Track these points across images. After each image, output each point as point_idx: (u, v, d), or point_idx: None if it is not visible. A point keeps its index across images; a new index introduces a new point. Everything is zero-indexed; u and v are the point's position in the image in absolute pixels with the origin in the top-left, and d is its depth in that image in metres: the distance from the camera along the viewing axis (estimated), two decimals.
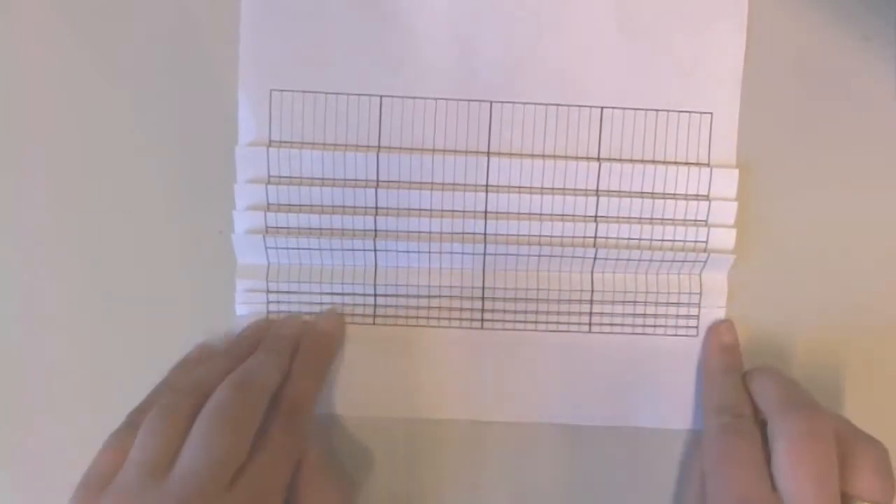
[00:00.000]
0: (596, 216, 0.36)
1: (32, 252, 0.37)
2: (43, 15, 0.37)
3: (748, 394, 0.34)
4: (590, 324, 0.36)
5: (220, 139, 0.37)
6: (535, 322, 0.36)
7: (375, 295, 0.36)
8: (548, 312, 0.36)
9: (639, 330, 0.36)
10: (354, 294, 0.36)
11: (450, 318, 0.36)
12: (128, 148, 0.37)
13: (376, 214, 0.36)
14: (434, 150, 0.36)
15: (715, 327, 0.36)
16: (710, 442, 0.33)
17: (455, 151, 0.36)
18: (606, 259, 0.36)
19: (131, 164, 0.37)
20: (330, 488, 0.33)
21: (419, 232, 0.36)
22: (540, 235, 0.36)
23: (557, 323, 0.36)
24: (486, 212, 0.36)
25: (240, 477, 0.28)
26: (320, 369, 0.35)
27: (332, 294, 0.36)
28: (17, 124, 0.37)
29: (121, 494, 0.27)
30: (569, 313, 0.36)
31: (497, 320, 0.36)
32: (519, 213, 0.36)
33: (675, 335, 0.36)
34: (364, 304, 0.36)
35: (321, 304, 0.37)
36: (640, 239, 0.36)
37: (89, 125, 0.37)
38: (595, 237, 0.36)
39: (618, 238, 0.36)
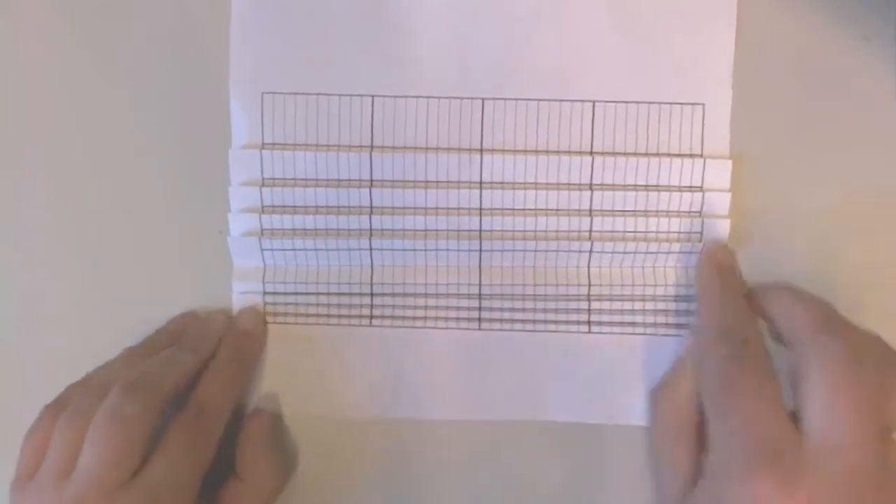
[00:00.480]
0: (591, 210, 0.36)
1: (32, 252, 0.37)
2: (43, 15, 0.37)
3: (754, 317, 0.30)
4: (589, 322, 0.36)
5: (221, 139, 0.37)
6: (534, 321, 0.36)
7: (372, 294, 0.36)
8: (545, 310, 0.36)
9: (639, 329, 0.36)
10: (351, 294, 0.36)
11: (447, 318, 0.36)
12: (128, 148, 0.37)
13: (371, 213, 0.36)
14: (427, 149, 0.36)
15: (709, 248, 0.34)
16: (710, 378, 0.28)
17: (448, 149, 0.36)
18: (602, 252, 0.36)
19: (131, 164, 0.37)
20: (266, 461, 0.34)
21: (415, 230, 0.36)
22: (535, 231, 0.36)
23: (556, 322, 0.36)
24: (480, 209, 0.36)
25: (136, 477, 0.29)
26: (236, 371, 0.34)
27: (328, 294, 0.36)
28: (17, 124, 0.37)
29: (35, 495, 0.29)
30: (567, 311, 0.36)
31: (495, 319, 0.36)
32: (514, 209, 0.36)
33: (677, 334, 0.36)
34: (361, 305, 0.36)
35: (318, 304, 0.37)
36: (635, 231, 0.36)
37: (89, 125, 0.37)
38: (590, 231, 0.36)
39: (613, 231, 0.36)
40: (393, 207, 0.36)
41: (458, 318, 0.36)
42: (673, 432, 0.31)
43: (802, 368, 0.26)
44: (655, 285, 0.36)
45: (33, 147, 0.37)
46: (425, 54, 0.36)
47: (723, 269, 0.34)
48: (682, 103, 0.35)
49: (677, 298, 0.36)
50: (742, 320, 0.30)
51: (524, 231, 0.36)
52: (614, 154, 0.36)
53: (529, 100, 0.36)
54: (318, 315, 0.37)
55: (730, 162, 0.35)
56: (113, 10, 0.37)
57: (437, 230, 0.36)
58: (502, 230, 0.36)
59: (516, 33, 0.36)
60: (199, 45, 0.37)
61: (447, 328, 0.36)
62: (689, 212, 0.36)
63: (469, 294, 0.36)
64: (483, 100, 0.36)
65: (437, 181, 0.36)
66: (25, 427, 0.31)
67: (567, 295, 0.36)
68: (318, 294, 0.36)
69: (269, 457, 0.34)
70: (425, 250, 0.36)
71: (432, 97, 0.36)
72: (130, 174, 0.37)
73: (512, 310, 0.36)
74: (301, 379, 0.36)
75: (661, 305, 0.36)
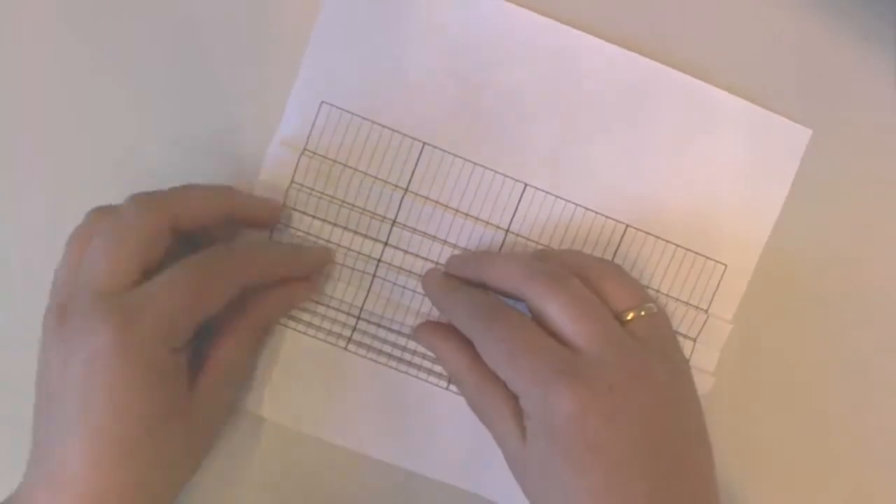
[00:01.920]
0: None
1: (32, 252, 0.37)
2: (43, 15, 0.37)
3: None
4: None
5: (221, 139, 0.37)
6: None
7: (358, 318, 0.37)
8: None
9: None
10: (339, 311, 0.37)
11: (419, 367, 0.37)
12: (128, 148, 0.37)
13: (385, 245, 0.37)
14: (457, 212, 0.36)
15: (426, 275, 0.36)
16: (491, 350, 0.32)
17: (476, 219, 0.36)
18: None
19: (131, 165, 0.37)
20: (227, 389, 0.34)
21: (420, 274, 0.37)
22: None
23: None
24: None
25: (129, 290, 0.30)
26: (277, 253, 0.35)
27: (317, 304, 0.37)
28: (17, 124, 0.37)
29: (51, 297, 0.31)
30: None
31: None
32: None
33: None
34: (344, 324, 0.37)
35: (304, 310, 0.37)
36: None
37: (89, 125, 0.37)
38: None
39: None
40: (407, 250, 0.37)
41: (430, 370, 0.37)
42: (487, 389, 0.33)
43: (536, 308, 0.31)
44: None
45: (33, 147, 0.37)
46: (487, 131, 0.36)
47: (443, 279, 0.35)
48: (706, 257, 0.36)
49: None
50: (482, 296, 0.33)
51: None
52: None
53: (567, 201, 0.36)
54: (298, 321, 0.37)
55: (730, 326, 0.36)
56: (113, 10, 0.37)
57: None
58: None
59: (578, 137, 0.36)
60: (198, 44, 0.37)
61: (416, 377, 0.37)
62: None
63: None
64: (525, 185, 0.36)
65: (456, 244, 0.36)
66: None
67: None
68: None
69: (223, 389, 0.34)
70: (424, 297, 0.37)
71: (479, 164, 0.36)
72: (130, 174, 0.37)
73: None
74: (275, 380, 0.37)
75: None
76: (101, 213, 0.32)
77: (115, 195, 0.33)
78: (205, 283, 0.31)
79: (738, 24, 0.36)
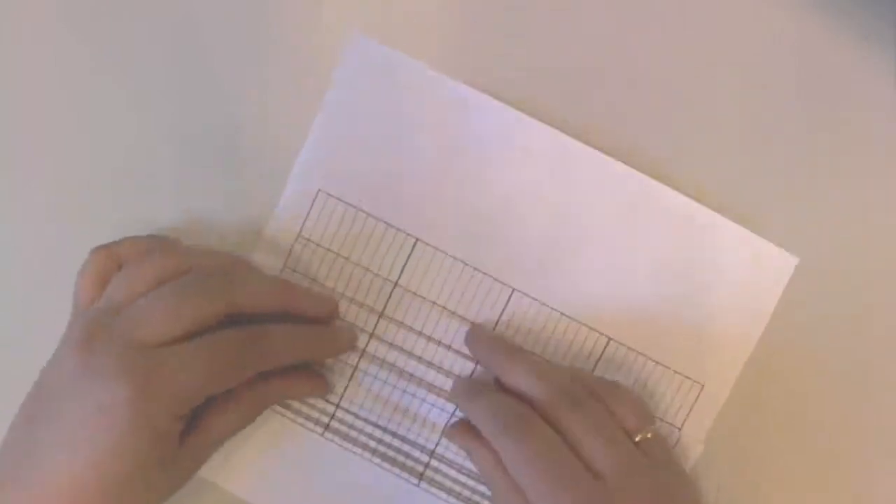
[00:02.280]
0: None
1: (32, 252, 0.37)
2: (43, 15, 0.37)
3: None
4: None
5: (221, 139, 0.37)
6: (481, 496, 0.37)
7: (338, 406, 0.37)
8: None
9: None
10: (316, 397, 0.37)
11: (394, 461, 0.37)
12: (128, 148, 0.37)
13: (370, 338, 0.37)
14: (444, 309, 0.37)
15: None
16: (496, 468, 0.34)
17: (463, 318, 0.37)
18: None
19: (131, 165, 0.37)
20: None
21: (402, 370, 0.37)
22: None
23: None
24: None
25: (167, 346, 0.31)
26: (310, 338, 0.35)
27: None
28: (17, 124, 0.37)
29: (91, 318, 0.32)
30: None
31: (437, 482, 0.37)
32: None
33: None
34: (321, 411, 0.37)
35: None
36: None
37: (89, 125, 0.37)
38: None
39: None
40: (392, 343, 0.37)
41: (403, 465, 0.37)
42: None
43: (561, 428, 0.32)
44: None
45: (33, 147, 0.37)
46: (478, 231, 0.37)
47: (469, 381, 0.36)
48: (684, 376, 0.37)
49: None
50: (510, 402, 0.34)
51: None
52: None
53: (552, 308, 0.37)
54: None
55: (701, 446, 0.37)
56: (113, 10, 0.37)
57: (422, 380, 0.37)
58: None
59: (567, 246, 0.37)
60: (199, 45, 0.37)
61: (390, 471, 0.37)
62: None
63: (422, 449, 0.37)
64: (513, 290, 0.37)
65: (440, 341, 0.37)
66: None
67: None
68: None
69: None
70: (404, 391, 0.37)
71: (468, 265, 0.37)
72: (131, 174, 0.37)
73: (461, 482, 0.37)
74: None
75: None
76: (109, 254, 0.34)
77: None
78: (229, 370, 0.32)
79: (739, 24, 0.36)
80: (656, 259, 0.36)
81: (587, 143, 0.37)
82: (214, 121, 0.37)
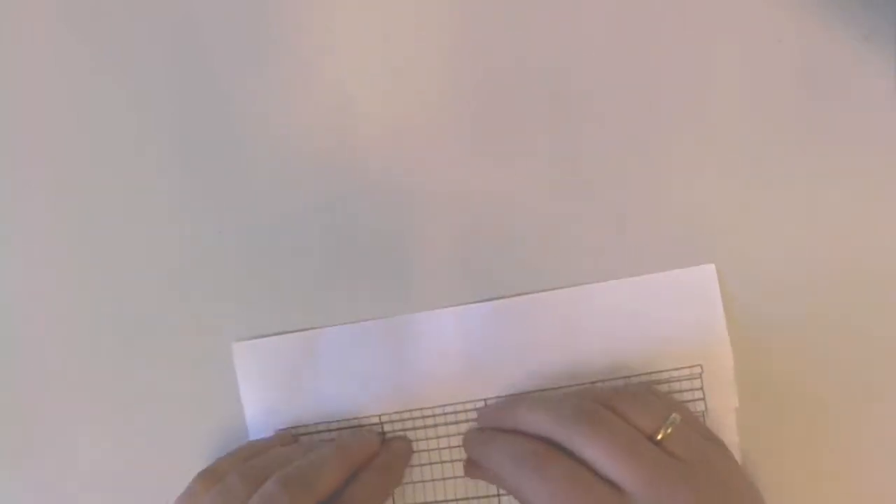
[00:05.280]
0: None
1: (32, 253, 0.38)
2: (43, 15, 0.37)
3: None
4: None
5: (222, 138, 0.37)
6: None
7: None
8: None
9: None
10: None
11: None
12: (128, 148, 0.38)
13: None
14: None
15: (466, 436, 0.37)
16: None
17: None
18: None
19: (131, 165, 0.38)
20: None
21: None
22: None
23: None
24: None
25: None
26: (386, 484, 0.36)
27: None
28: (17, 124, 0.37)
29: None
30: None
31: None
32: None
33: None
34: None
35: None
36: None
37: (89, 125, 0.37)
38: None
39: None
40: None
41: None
42: None
43: (576, 452, 0.32)
44: None
45: (33, 147, 0.38)
46: (430, 369, 0.38)
47: (480, 432, 0.37)
48: (678, 368, 0.37)
49: None
50: (523, 441, 0.34)
51: None
52: None
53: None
54: None
55: (734, 414, 0.36)
56: (113, 10, 0.37)
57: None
58: None
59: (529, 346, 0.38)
60: (199, 44, 0.37)
61: None
62: None
63: None
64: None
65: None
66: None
67: None
68: None
69: None
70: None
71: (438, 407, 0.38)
72: (131, 174, 0.38)
73: None
74: None
75: None
76: (209, 480, 0.34)
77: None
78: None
79: (739, 24, 0.36)
80: (605, 348, 0.37)
81: (587, 142, 0.37)
82: (214, 121, 0.37)
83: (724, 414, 0.37)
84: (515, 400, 0.36)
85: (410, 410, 0.38)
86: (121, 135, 0.37)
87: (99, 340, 0.38)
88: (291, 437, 0.38)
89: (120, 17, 0.37)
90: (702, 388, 0.37)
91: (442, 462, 0.38)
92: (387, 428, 0.38)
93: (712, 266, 0.36)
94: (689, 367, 0.37)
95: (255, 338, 0.38)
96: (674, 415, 0.32)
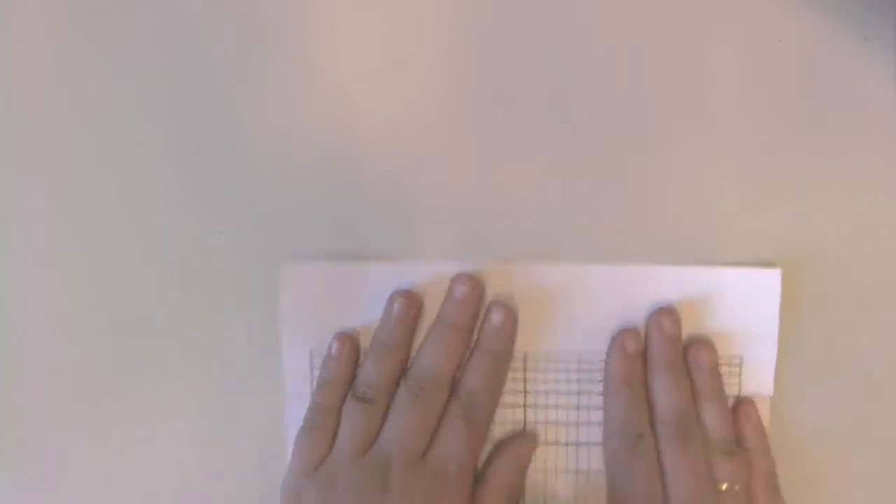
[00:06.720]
0: None
1: (32, 253, 0.38)
2: (43, 14, 0.37)
3: (646, 412, 0.37)
4: None
5: (222, 137, 0.37)
6: None
7: None
8: None
9: None
10: None
11: None
12: (129, 148, 0.38)
13: None
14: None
15: (620, 334, 0.37)
16: (610, 462, 0.37)
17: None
18: None
19: (132, 165, 0.38)
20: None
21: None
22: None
23: None
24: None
25: (428, 454, 0.35)
26: (496, 364, 0.37)
27: None
28: (17, 124, 0.37)
29: (336, 468, 0.35)
30: None
31: None
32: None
33: None
34: None
35: None
36: None
37: (89, 125, 0.37)
38: None
39: None
40: None
41: None
42: None
43: (660, 449, 0.36)
44: None
45: (33, 147, 0.37)
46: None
47: (627, 360, 0.37)
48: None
49: None
50: (638, 415, 0.36)
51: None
52: None
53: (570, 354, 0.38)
54: None
55: (768, 401, 0.38)
56: (113, 10, 0.37)
57: None
58: None
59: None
60: (199, 44, 0.37)
61: None
62: None
63: None
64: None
65: None
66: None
67: None
68: None
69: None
70: None
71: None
72: (131, 174, 0.38)
73: None
74: None
75: None
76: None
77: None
78: (473, 435, 0.36)
79: (739, 24, 0.36)
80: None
81: (586, 144, 0.37)
82: (214, 121, 0.37)
83: (757, 402, 0.38)
84: (661, 361, 0.37)
85: None
86: (121, 134, 0.37)
87: (99, 340, 0.38)
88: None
89: (120, 17, 0.37)
90: (739, 376, 0.38)
91: None
92: None
93: (778, 271, 0.37)
94: (729, 356, 0.38)
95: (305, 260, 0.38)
96: (739, 486, 0.35)
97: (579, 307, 0.37)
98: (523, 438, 0.38)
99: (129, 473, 0.39)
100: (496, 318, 0.37)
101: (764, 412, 0.37)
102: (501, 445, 0.38)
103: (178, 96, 0.37)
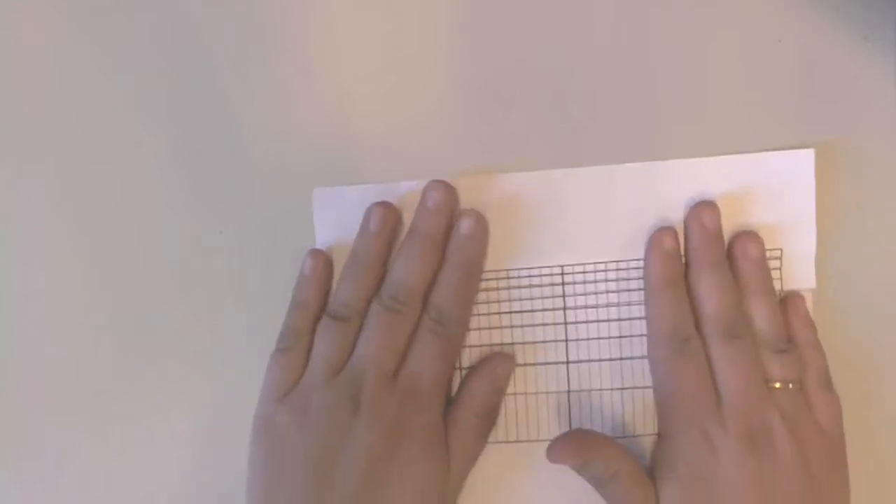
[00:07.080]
0: None
1: (32, 253, 0.38)
2: (43, 15, 0.37)
3: (691, 314, 0.35)
4: None
5: (222, 136, 0.38)
6: None
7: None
8: None
9: None
10: None
11: None
12: (129, 148, 0.38)
13: None
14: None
15: (657, 233, 0.36)
16: (657, 369, 0.36)
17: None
18: None
19: (132, 165, 0.38)
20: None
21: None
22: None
23: None
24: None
25: (400, 371, 0.35)
26: (466, 277, 0.36)
27: None
28: (17, 124, 0.37)
29: (309, 390, 0.35)
30: None
31: None
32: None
33: None
34: None
35: None
36: None
37: (90, 125, 0.38)
38: None
39: None
40: None
41: None
42: None
43: (709, 353, 0.34)
44: None
45: (33, 147, 0.38)
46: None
47: (666, 259, 0.35)
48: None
49: None
50: (682, 316, 0.35)
51: None
52: None
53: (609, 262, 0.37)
54: None
55: (811, 294, 0.36)
56: (113, 10, 0.37)
57: None
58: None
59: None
60: (199, 44, 0.37)
61: None
62: None
63: None
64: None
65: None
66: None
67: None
68: None
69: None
70: None
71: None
72: (131, 174, 0.38)
73: None
74: None
75: None
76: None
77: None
78: (447, 350, 0.36)
79: (739, 24, 0.36)
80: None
81: (586, 144, 0.37)
82: (215, 121, 0.37)
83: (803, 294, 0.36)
84: (704, 262, 0.35)
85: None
86: (121, 134, 0.38)
87: (99, 340, 0.38)
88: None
89: (120, 17, 0.37)
90: (780, 269, 0.37)
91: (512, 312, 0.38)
92: None
93: (811, 151, 0.36)
94: (770, 249, 0.36)
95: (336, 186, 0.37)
96: (792, 384, 0.34)
97: (609, 212, 0.36)
98: (500, 358, 0.37)
99: (129, 473, 0.39)
100: (466, 225, 0.36)
101: (808, 305, 0.36)
102: (477, 366, 0.37)
103: (178, 96, 0.37)
